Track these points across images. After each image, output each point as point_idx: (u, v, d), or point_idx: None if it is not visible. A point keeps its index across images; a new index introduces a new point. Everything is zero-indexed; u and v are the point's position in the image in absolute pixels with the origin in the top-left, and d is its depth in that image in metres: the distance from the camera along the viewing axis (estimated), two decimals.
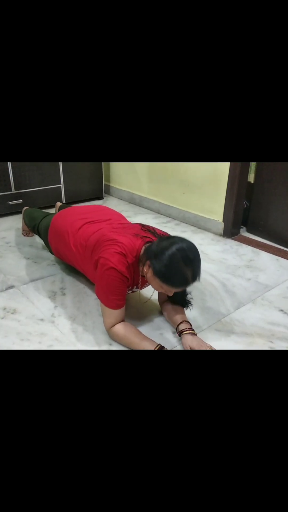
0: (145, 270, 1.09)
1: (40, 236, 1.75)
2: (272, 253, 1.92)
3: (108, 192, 2.91)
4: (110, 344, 1.20)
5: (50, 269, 1.68)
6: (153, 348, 1.09)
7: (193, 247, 1.03)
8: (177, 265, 0.98)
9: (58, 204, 2.09)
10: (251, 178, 2.15)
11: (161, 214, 2.50)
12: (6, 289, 1.51)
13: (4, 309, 1.37)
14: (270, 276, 1.68)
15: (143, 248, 1.14)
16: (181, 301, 1.28)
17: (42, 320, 1.31)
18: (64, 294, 1.48)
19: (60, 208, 1.99)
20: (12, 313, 1.35)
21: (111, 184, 2.88)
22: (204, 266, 1.76)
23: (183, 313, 1.28)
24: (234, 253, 1.93)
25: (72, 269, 1.68)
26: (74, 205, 2.32)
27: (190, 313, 1.34)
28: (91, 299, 1.45)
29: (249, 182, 2.14)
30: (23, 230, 2.02)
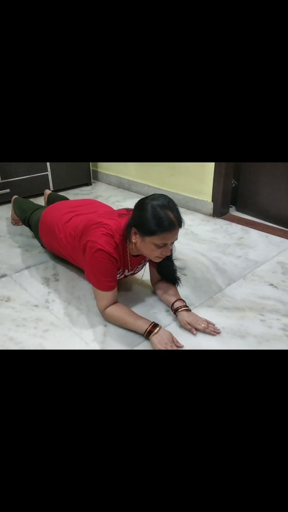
0: (133, 240, 1.12)
1: (30, 229, 1.75)
2: (261, 230, 1.94)
3: (96, 178, 2.89)
4: (105, 326, 1.22)
5: (42, 256, 1.68)
6: (147, 327, 1.12)
7: (164, 196, 1.08)
8: (158, 213, 1.03)
9: (47, 191, 2.07)
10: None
11: None
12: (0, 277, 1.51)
13: None
14: (259, 252, 1.71)
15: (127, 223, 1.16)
16: (172, 277, 1.30)
17: (36, 306, 1.33)
18: (57, 280, 1.49)
19: (49, 196, 1.99)
20: (6, 301, 1.36)
21: (99, 170, 2.86)
22: (195, 246, 1.79)
23: (176, 291, 1.30)
24: (224, 232, 1.95)
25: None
26: (62, 194, 2.32)
27: (182, 291, 1.36)
28: (84, 284, 1.47)
29: (236, 162, 2.15)
30: (13, 219, 2.01)
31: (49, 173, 2.48)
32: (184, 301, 1.25)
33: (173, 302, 1.25)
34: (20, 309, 1.31)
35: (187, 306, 1.23)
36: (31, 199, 2.12)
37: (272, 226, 2.00)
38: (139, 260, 1.28)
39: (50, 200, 1.94)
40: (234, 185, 2.20)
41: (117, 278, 1.24)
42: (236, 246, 1.78)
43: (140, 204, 1.09)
